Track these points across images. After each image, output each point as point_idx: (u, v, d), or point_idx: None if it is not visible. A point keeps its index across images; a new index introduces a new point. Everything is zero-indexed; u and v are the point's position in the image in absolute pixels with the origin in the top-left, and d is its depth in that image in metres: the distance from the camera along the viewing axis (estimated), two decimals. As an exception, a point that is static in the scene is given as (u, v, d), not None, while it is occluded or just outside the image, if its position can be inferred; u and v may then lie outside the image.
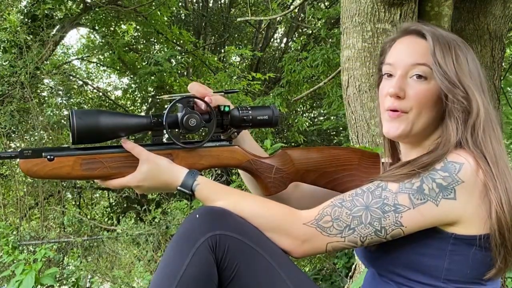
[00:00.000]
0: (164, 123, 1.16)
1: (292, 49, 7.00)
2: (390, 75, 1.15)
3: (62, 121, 6.36)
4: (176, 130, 1.18)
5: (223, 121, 1.22)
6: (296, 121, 6.91)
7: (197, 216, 1.06)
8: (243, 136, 1.30)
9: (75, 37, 9.59)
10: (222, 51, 9.37)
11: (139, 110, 9.85)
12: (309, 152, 1.29)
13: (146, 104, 9.77)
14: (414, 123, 1.11)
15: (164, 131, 1.18)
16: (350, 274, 2.68)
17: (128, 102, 9.76)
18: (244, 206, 1.10)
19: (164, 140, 1.20)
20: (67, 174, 1.13)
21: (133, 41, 9.12)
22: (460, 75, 1.07)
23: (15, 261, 3.10)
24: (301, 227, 1.07)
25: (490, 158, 1.03)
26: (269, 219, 1.09)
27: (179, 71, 8.08)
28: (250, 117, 1.22)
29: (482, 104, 1.07)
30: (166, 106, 1.18)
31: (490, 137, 1.06)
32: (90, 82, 9.14)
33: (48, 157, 1.11)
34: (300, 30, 9.13)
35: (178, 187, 1.13)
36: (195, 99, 1.19)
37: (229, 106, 1.22)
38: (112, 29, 8.37)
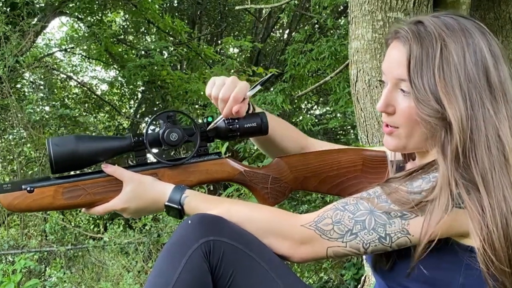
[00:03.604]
0: (145, 141, 1.20)
1: (296, 40, 6.99)
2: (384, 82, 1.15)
3: (45, 118, 6.36)
4: (160, 147, 1.22)
5: (208, 133, 1.24)
6: (300, 119, 6.92)
7: (190, 222, 1.08)
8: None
9: (57, 27, 9.58)
10: (219, 42, 9.37)
11: (127, 107, 9.86)
12: (307, 157, 1.30)
13: (135, 99, 9.78)
14: (407, 139, 1.11)
15: (146, 150, 1.22)
16: (359, 286, 2.69)
17: (115, 97, 9.76)
18: (238, 211, 1.12)
19: (149, 160, 1.24)
20: (50, 204, 1.18)
21: (121, 31, 9.13)
22: (440, 87, 1.03)
23: (-8, 272, 3.11)
24: (298, 229, 1.09)
25: (480, 179, 1.01)
26: (264, 222, 1.11)
27: (172, 64, 8.08)
28: (237, 126, 1.24)
29: (464, 112, 1.02)
30: (149, 117, 1.21)
31: (484, 146, 1.02)
32: (74, 76, 9.15)
33: (28, 188, 1.17)
34: (305, 20, 9.14)
35: (166, 203, 1.16)
36: (176, 113, 1.23)
37: (212, 116, 1.24)
38: (98, 18, 8.37)
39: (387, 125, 1.14)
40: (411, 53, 1.06)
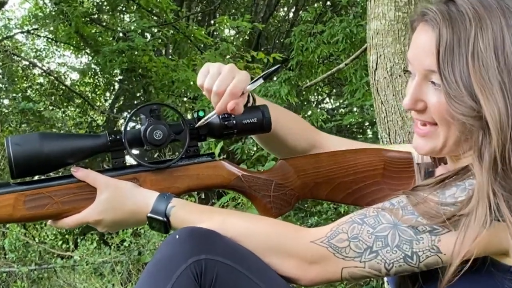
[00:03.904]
0: (123, 140, 1.19)
1: (304, 20, 6.99)
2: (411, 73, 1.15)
3: (3, 113, 6.36)
4: (142, 148, 1.22)
5: (199, 130, 1.24)
6: (309, 114, 6.92)
7: (177, 237, 1.07)
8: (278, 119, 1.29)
9: (19, 4, 9.57)
10: (212, 22, 9.37)
11: (102, 100, 9.86)
12: (317, 159, 1.30)
13: (111, 91, 9.78)
14: (444, 141, 1.11)
15: (125, 151, 1.22)
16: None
17: (88, 89, 9.76)
18: (234, 224, 1.12)
19: (128, 162, 1.24)
20: (9, 216, 1.18)
21: (95, 9, 9.13)
22: (474, 79, 1.03)
23: None
24: (308, 246, 1.09)
25: None
26: (266, 238, 1.11)
27: (155, 49, 8.08)
28: (234, 122, 1.24)
29: (504, 110, 1.02)
30: (129, 111, 1.21)
31: None
32: (38, 63, 9.15)
33: None
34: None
35: (149, 214, 1.16)
36: (161, 106, 1.23)
37: (204, 110, 1.24)
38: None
39: (421, 124, 1.14)
40: (441, 39, 1.06)
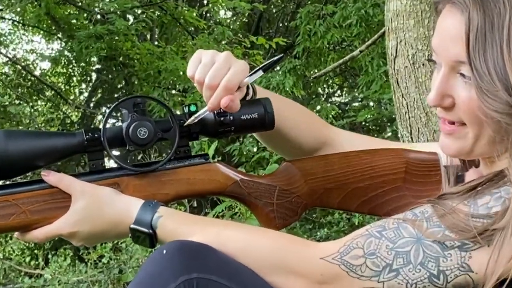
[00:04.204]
0: (102, 139, 1.19)
1: (312, 0, 7.02)
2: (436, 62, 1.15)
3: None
4: (124, 148, 1.22)
5: (190, 128, 1.24)
6: (317, 109, 6.93)
7: (165, 252, 1.07)
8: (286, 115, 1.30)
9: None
10: (205, 2, 9.37)
11: (77, 92, 9.86)
12: (328, 161, 1.30)
13: (88, 82, 9.78)
14: (475, 142, 1.11)
15: (104, 151, 1.22)
16: None
17: (61, 80, 9.76)
18: (231, 238, 1.12)
19: (108, 165, 1.24)
20: None
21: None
22: (510, 70, 1.03)
23: None
24: (317, 263, 1.09)
25: None
26: (269, 253, 1.11)
27: (139, 33, 8.09)
28: (231, 118, 1.23)
29: None
30: (108, 106, 1.21)
31: None
32: (2, 50, 9.15)
33: None
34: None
35: (132, 226, 1.16)
36: (146, 99, 1.23)
37: (196, 104, 1.24)
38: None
39: (447, 122, 1.13)
40: (471, 24, 1.05)
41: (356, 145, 1.37)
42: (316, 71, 6.47)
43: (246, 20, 9.55)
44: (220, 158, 5.68)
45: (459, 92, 1.10)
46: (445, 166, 1.27)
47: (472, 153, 1.14)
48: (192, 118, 1.23)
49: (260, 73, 1.19)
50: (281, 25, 9.55)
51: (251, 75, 1.19)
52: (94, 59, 8.52)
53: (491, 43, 1.05)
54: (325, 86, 9.05)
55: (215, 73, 1.18)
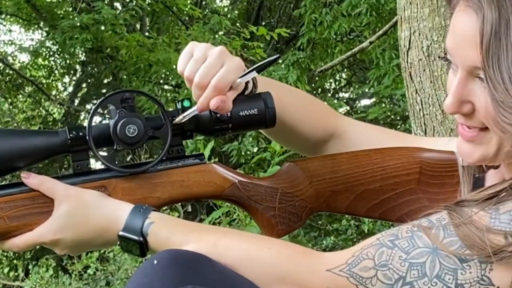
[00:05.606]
0: (87, 137, 1.20)
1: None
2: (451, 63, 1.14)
3: None
4: (111, 147, 1.22)
5: (184, 125, 1.24)
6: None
7: (156, 262, 1.07)
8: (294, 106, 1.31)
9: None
10: (200, -11, 9.38)
11: (60, 87, 9.87)
12: (335, 160, 1.30)
13: (71, 76, 9.79)
14: (498, 149, 1.10)
15: (90, 151, 1.22)
16: None
17: (42, 73, 9.77)
18: (229, 246, 1.12)
19: (93, 166, 1.24)
20: None
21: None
22: None
23: None
24: (323, 275, 1.09)
25: None
26: (270, 264, 1.11)
27: (127, 23, 8.09)
28: (228, 114, 1.23)
29: None
30: (94, 102, 1.21)
31: None
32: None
33: None
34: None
35: (120, 233, 1.16)
36: (136, 94, 1.23)
37: (189, 99, 1.23)
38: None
39: (467, 127, 1.13)
40: (484, 27, 1.04)
41: (368, 138, 1.37)
42: (322, 64, 6.48)
43: (245, 9, 9.56)
44: (216, 159, 5.68)
45: (479, 97, 1.08)
46: (463, 167, 1.27)
47: (496, 159, 1.13)
48: (180, 117, 1.23)
49: (254, 74, 1.20)
50: (283, 14, 9.57)
51: (243, 75, 1.20)
52: (79, 51, 8.53)
53: (505, 47, 1.03)
54: (331, 80, 9.08)
55: (206, 71, 1.18)
